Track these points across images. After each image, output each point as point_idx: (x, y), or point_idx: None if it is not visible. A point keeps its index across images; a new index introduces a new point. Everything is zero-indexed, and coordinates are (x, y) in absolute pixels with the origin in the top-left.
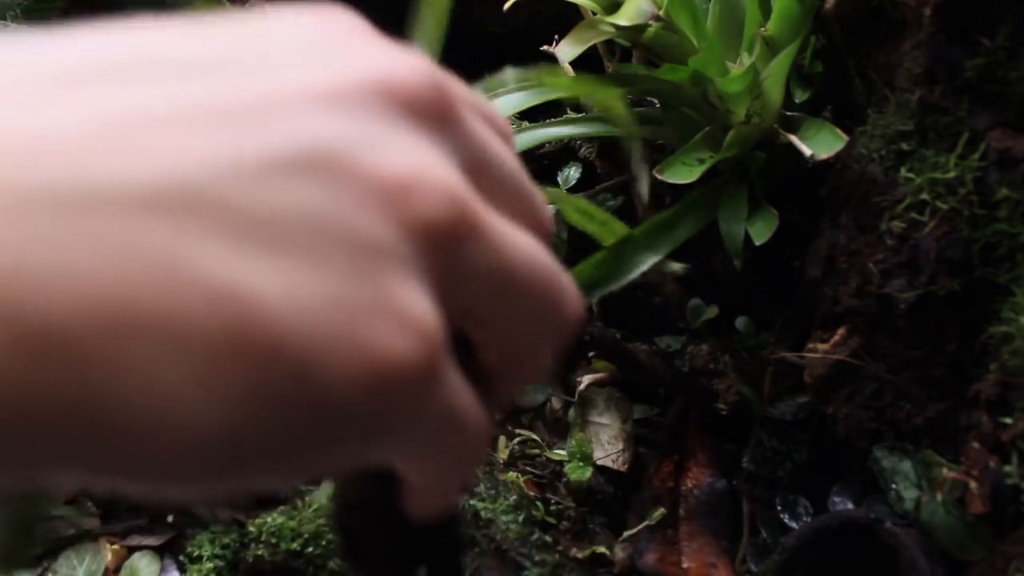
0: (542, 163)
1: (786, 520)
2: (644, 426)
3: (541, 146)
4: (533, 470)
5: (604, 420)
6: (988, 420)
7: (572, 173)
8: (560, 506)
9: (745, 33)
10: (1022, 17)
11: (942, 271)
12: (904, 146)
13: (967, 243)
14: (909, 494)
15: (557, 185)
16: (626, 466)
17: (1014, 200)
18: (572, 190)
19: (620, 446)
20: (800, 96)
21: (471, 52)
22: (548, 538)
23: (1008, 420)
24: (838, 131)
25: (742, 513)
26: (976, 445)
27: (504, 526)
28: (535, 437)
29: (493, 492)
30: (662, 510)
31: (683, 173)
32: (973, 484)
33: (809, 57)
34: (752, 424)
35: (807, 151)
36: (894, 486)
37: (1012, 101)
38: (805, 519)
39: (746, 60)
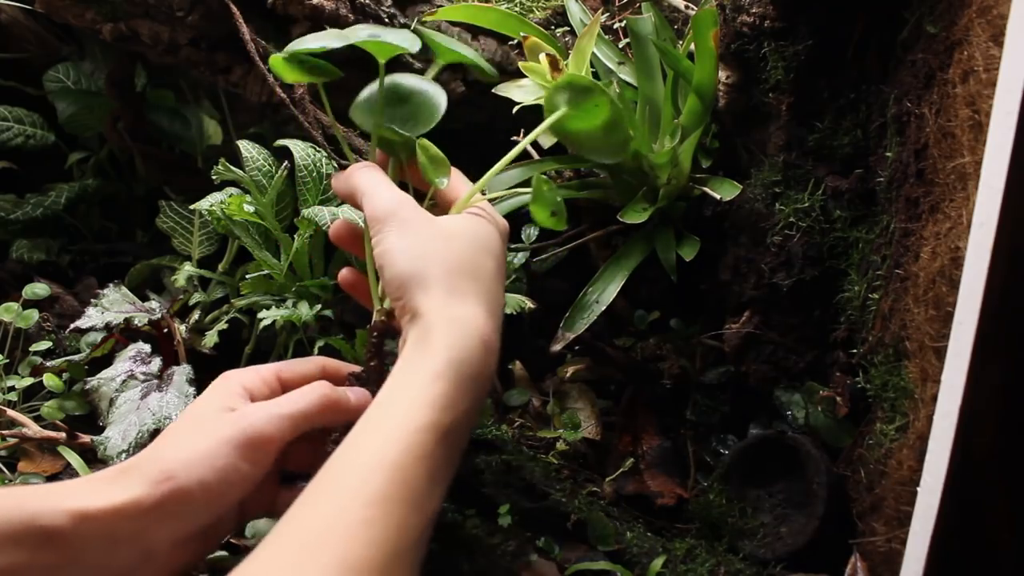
0: (523, 220)
1: (720, 451)
2: (606, 414)
3: (522, 207)
4: (533, 444)
5: (579, 405)
6: (843, 354)
7: (532, 231)
8: (558, 464)
9: (662, 124)
10: (838, 111)
11: (806, 265)
12: (776, 190)
13: (819, 246)
14: (800, 414)
15: (522, 241)
16: (599, 436)
17: (844, 217)
18: (532, 244)
19: (593, 421)
20: (704, 163)
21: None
22: (562, 474)
23: (854, 351)
24: (735, 183)
25: (688, 459)
26: (838, 373)
27: (530, 470)
28: (528, 424)
29: (518, 451)
30: (631, 460)
31: (636, 216)
32: (838, 397)
33: (710, 138)
34: (690, 391)
35: (717, 196)
36: (790, 411)
37: (837, 158)
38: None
39: (667, 143)
